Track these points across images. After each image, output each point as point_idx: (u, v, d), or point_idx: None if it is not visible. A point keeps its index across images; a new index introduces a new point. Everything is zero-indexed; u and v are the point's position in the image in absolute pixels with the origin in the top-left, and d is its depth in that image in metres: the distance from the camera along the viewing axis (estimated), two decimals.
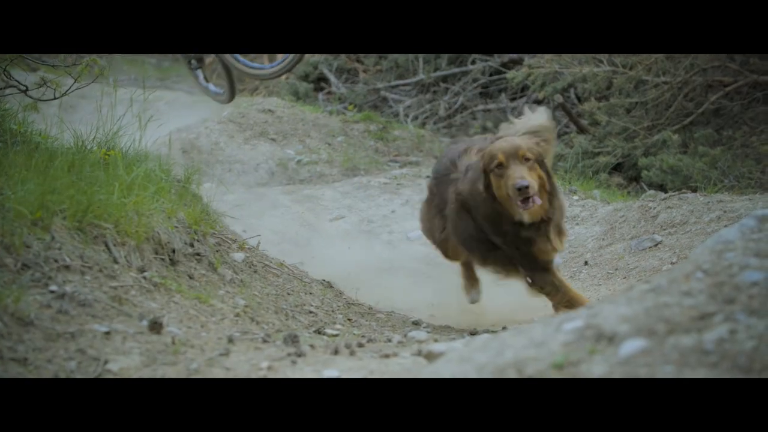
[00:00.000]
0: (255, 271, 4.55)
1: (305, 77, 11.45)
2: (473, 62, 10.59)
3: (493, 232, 4.66)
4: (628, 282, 5.47)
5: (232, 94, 7.28)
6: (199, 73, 7.47)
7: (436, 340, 4.02)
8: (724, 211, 5.89)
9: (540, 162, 4.45)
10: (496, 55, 10.58)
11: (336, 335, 4.15)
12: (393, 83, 10.73)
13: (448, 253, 5.35)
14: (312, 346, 3.56)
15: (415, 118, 10.38)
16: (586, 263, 6.14)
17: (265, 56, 9.46)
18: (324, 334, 4.18)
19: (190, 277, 4.11)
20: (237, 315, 3.96)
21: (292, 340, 3.59)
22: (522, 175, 4.29)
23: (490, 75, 10.69)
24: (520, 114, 5.68)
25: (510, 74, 9.23)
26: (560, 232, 4.68)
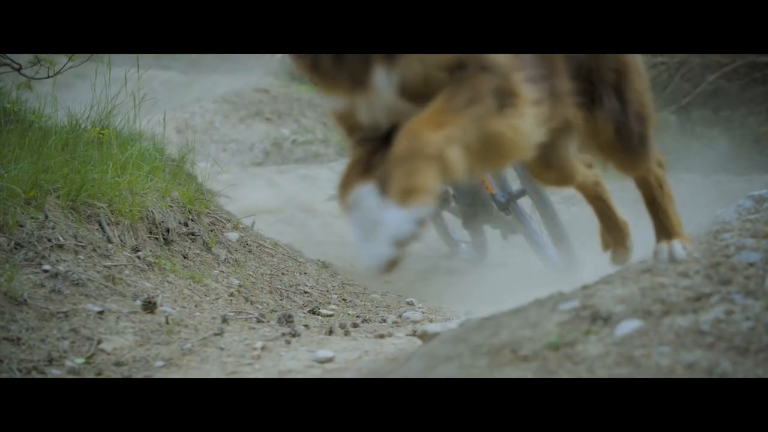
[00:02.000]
0: (249, 251, 4.54)
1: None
2: None
3: None
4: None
5: (482, 255, 6.19)
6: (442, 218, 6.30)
7: (431, 320, 4.02)
8: (721, 192, 5.88)
9: None
10: None
11: (331, 315, 4.15)
12: None
13: None
14: (306, 326, 3.56)
15: None
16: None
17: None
18: (318, 314, 4.17)
19: (185, 257, 4.10)
20: (231, 295, 3.96)
21: (287, 320, 3.59)
22: None
23: None
24: None
25: None
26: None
